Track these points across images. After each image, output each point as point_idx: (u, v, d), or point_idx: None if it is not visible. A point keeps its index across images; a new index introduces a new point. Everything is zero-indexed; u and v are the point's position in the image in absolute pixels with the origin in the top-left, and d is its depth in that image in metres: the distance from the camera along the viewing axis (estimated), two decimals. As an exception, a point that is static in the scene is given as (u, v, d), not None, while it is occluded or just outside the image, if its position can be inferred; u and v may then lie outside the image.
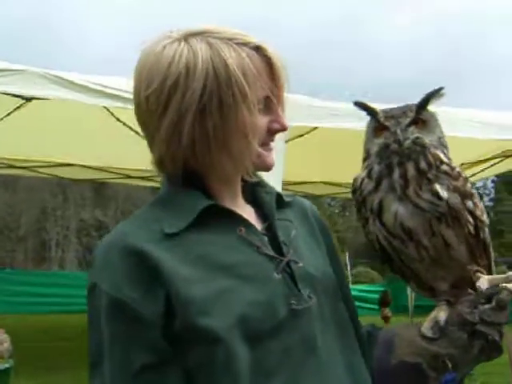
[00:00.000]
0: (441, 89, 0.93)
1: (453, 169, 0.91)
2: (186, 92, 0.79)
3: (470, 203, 0.91)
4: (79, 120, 5.18)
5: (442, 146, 0.94)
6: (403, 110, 0.93)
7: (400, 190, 0.89)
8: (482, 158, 6.00)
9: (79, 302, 14.26)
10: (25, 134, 5.42)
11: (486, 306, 0.84)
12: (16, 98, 3.70)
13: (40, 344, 7.88)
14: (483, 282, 0.88)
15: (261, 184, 0.95)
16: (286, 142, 4.43)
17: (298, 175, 7.23)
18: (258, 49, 0.83)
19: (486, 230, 0.94)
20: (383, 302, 8.81)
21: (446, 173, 0.90)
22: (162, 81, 0.80)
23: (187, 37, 0.82)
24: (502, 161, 6.03)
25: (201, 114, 0.80)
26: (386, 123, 0.93)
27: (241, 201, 0.92)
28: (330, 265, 0.95)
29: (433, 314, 0.91)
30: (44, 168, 7.15)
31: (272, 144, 0.88)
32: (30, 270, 20.90)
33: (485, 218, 0.94)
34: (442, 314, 0.89)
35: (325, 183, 8.15)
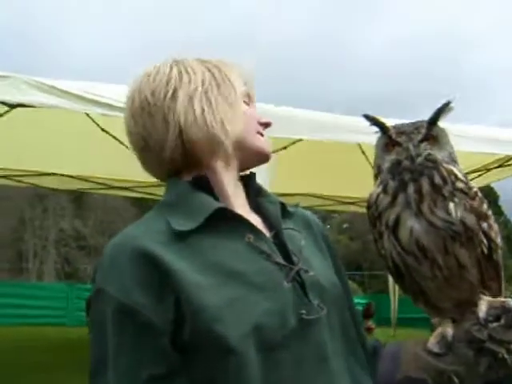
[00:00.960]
0: (449, 103, 0.93)
1: (470, 188, 0.90)
2: (188, 89, 0.87)
3: (485, 225, 0.90)
4: (61, 128, 5.12)
5: (454, 161, 0.93)
6: (415, 126, 0.92)
7: (415, 205, 0.88)
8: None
9: (57, 314, 14.16)
10: (4, 142, 5.33)
11: (495, 324, 0.84)
12: (-2, 105, 3.63)
13: (15, 356, 7.69)
14: (483, 304, 0.87)
15: (264, 194, 0.96)
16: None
17: (279, 187, 7.22)
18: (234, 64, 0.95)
19: (500, 252, 0.93)
20: (366, 314, 8.84)
21: (462, 191, 0.89)
22: (165, 85, 0.88)
23: (177, 60, 0.92)
24: (480, 175, 6.12)
25: (203, 103, 0.87)
26: (398, 139, 0.92)
27: (248, 209, 0.92)
28: (336, 275, 0.94)
29: (439, 330, 0.89)
30: (23, 177, 7.04)
31: (265, 135, 0.96)
32: (7, 280, 20.46)
33: (499, 240, 0.93)
34: (448, 329, 0.88)
35: (306, 195, 8.17)
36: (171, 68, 0.89)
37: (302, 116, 4.14)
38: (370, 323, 8.67)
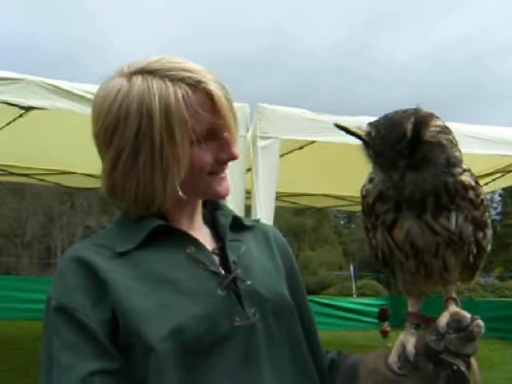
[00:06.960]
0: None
1: (478, 195, 0.85)
2: (125, 131, 0.85)
3: (480, 234, 0.87)
4: (78, 129, 5.19)
5: (452, 166, 0.83)
6: (393, 160, 0.81)
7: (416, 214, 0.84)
8: (486, 172, 5.94)
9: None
10: (27, 142, 5.44)
11: (453, 336, 0.81)
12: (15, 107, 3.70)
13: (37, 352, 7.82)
14: (445, 315, 0.84)
15: (220, 207, 0.99)
16: (285, 154, 4.44)
17: (299, 187, 7.22)
18: (198, 83, 0.86)
19: (485, 256, 0.91)
20: (382, 317, 8.74)
21: (470, 200, 0.85)
22: (105, 120, 0.86)
23: (131, 75, 0.87)
24: (506, 174, 5.99)
25: (138, 150, 0.85)
26: (379, 167, 0.85)
27: (198, 223, 0.96)
28: (287, 288, 0.95)
29: (400, 341, 0.87)
30: (47, 176, 7.18)
31: (224, 173, 0.92)
32: (35, 276, 20.87)
33: (489, 247, 0.90)
34: (410, 345, 0.85)
35: (327, 196, 8.12)
36: (110, 107, 0.86)
37: (316, 118, 4.13)
38: (386, 325, 8.56)
